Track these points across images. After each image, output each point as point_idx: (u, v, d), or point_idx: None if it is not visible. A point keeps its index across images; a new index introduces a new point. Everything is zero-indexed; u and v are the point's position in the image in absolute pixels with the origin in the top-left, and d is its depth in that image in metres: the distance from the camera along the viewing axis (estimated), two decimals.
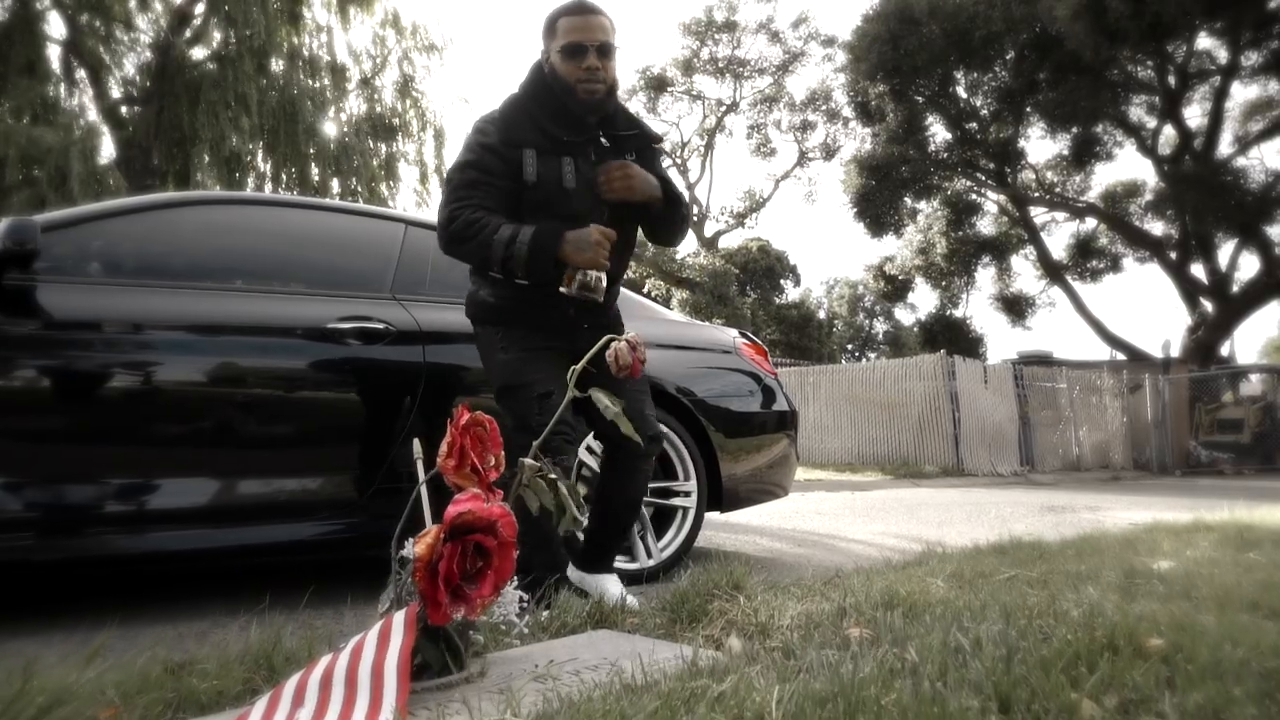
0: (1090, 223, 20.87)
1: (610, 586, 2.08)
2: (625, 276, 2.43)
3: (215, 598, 2.53)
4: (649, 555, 2.93)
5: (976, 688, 0.93)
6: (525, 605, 1.32)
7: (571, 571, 2.13)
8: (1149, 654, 1.03)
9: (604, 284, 1.96)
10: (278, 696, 0.98)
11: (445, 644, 1.12)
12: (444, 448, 1.15)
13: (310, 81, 13.34)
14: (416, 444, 1.27)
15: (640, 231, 2.38)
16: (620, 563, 2.87)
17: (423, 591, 1.03)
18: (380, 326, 2.60)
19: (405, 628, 1.02)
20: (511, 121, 2.08)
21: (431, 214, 3.57)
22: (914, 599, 1.40)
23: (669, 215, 2.17)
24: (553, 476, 1.24)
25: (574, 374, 1.36)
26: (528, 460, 1.24)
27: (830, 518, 5.47)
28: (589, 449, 2.81)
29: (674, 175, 2.18)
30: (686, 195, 2.28)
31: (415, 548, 1.03)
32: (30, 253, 2.18)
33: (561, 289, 1.96)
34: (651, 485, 2.99)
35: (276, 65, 12.80)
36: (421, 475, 1.23)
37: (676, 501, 3.06)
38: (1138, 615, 1.14)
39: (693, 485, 3.07)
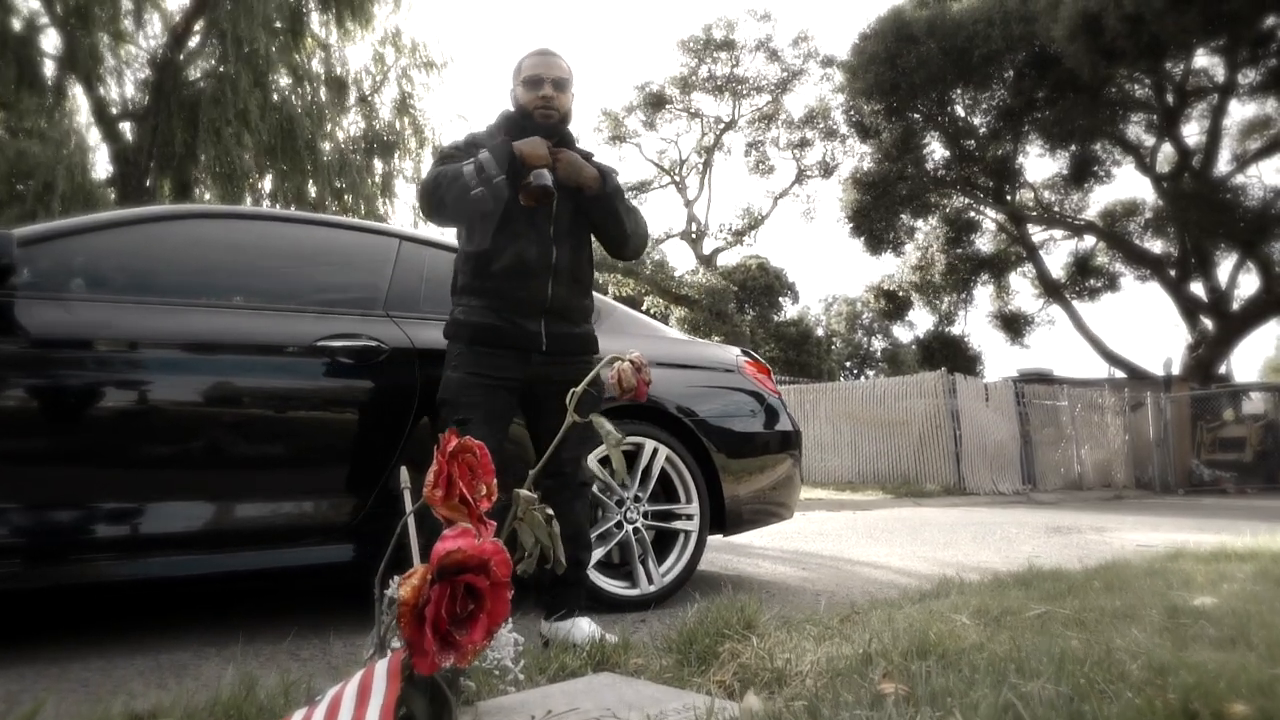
0: (1089, 241, 20.89)
1: (582, 630, 2.03)
2: (617, 293, 2.45)
3: (202, 622, 2.43)
4: (650, 581, 2.84)
5: None
6: (519, 646, 1.23)
7: (541, 626, 2.15)
8: None
9: (551, 181, 2.19)
10: None
11: (432, 694, 1.02)
12: (430, 476, 1.06)
13: (310, 99, 13.34)
14: (404, 472, 1.18)
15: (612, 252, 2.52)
16: (621, 589, 2.77)
17: (409, 639, 0.93)
18: (372, 344, 2.52)
19: (389, 679, 0.92)
20: (478, 136, 2.36)
21: (428, 231, 3.51)
22: (945, 643, 1.30)
23: (611, 207, 2.34)
24: (549, 513, 1.14)
25: (574, 397, 1.27)
26: (523, 492, 1.15)
27: (833, 539, 5.37)
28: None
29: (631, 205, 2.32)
30: (644, 221, 2.42)
31: (400, 590, 0.93)
32: (5, 268, 2.10)
33: (523, 201, 2.19)
34: (653, 508, 2.90)
35: (277, 82, 12.80)
36: (409, 505, 1.13)
37: (678, 524, 2.97)
38: (1211, 673, 1.03)
39: (695, 508, 2.98)
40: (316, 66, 13.85)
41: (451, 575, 0.92)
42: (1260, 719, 0.93)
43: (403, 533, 1.10)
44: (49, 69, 12.05)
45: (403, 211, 14.74)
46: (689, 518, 2.97)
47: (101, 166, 12.86)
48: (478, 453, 1.07)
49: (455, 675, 1.06)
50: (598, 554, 2.73)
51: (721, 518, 3.09)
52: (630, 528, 2.83)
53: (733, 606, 1.62)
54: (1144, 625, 1.46)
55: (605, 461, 2.78)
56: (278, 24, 12.72)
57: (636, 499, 2.85)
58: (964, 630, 1.42)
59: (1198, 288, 18.64)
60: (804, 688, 1.13)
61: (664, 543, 2.98)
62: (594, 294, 3.37)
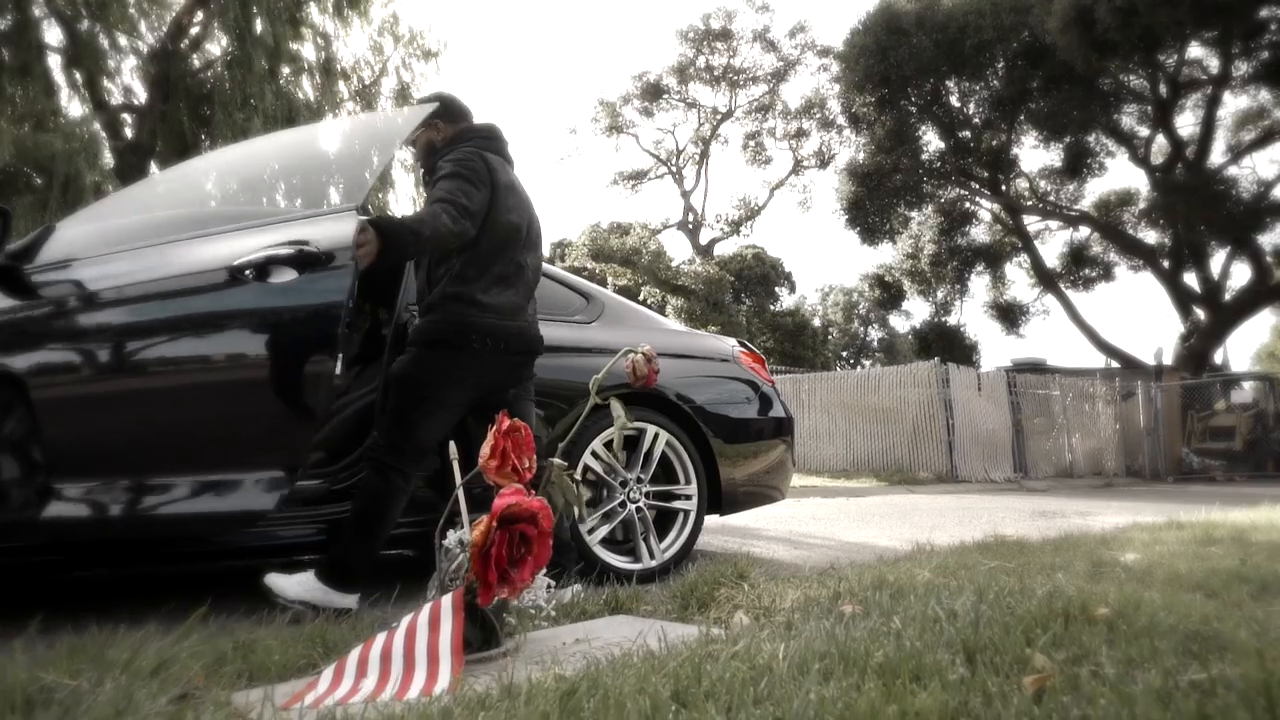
0: (1083, 231, 21.08)
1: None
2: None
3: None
4: (652, 556, 3.05)
5: (949, 645, 1.08)
6: (552, 590, 1.46)
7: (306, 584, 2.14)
8: (1096, 621, 1.19)
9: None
10: (342, 668, 1.11)
11: (481, 624, 1.25)
12: (486, 449, 1.29)
13: (309, 89, 13.53)
14: (452, 446, 1.40)
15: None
16: (623, 563, 2.99)
17: (477, 574, 1.16)
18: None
19: (454, 611, 1.15)
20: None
21: None
22: (901, 583, 1.55)
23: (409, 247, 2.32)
24: (577, 478, 1.38)
25: (596, 383, 1.50)
26: (555, 460, 1.38)
27: (826, 522, 5.60)
28: (593, 453, 2.96)
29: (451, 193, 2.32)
30: (430, 223, 2.23)
31: (472, 534, 1.16)
32: None
33: None
34: (654, 488, 3.13)
35: (279, 72, 12.96)
36: (458, 477, 1.36)
37: (678, 504, 3.18)
38: (1092, 592, 1.29)
39: (693, 489, 3.20)
40: (316, 56, 14.02)
41: (509, 524, 1.15)
42: (1115, 618, 1.20)
43: (456, 498, 1.33)
44: (53, 61, 12.23)
45: (402, 200, 14.90)
46: (688, 498, 3.20)
47: (108, 157, 13.04)
48: (523, 431, 1.31)
49: (500, 609, 1.30)
50: (602, 531, 2.95)
51: (718, 499, 3.32)
52: (633, 507, 3.05)
53: (728, 562, 1.86)
54: (1070, 572, 1.71)
55: (596, 455, 2.99)
56: (278, 6, 12.84)
57: (639, 480, 3.07)
58: (920, 577, 1.67)
59: (1191, 278, 18.88)
60: (785, 616, 1.38)
61: (665, 521, 3.20)
62: (594, 287, 3.60)
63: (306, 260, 2.17)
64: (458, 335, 2.31)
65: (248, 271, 2.15)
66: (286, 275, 2.15)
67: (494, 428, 1.28)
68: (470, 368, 2.32)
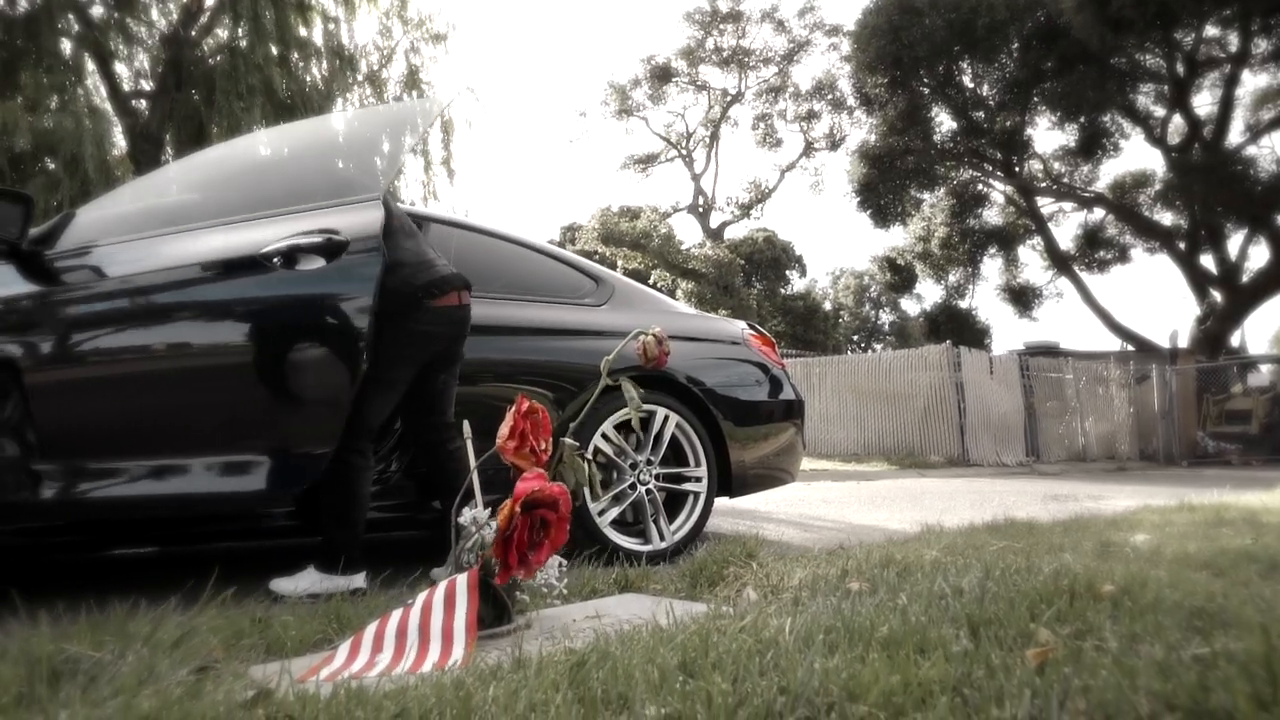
0: (1098, 213, 20.85)
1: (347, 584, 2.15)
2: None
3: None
4: (662, 538, 3.07)
5: (953, 620, 1.10)
6: (564, 569, 1.48)
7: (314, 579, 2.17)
8: (1102, 597, 1.21)
9: None
10: (358, 643, 1.14)
11: (494, 602, 1.28)
12: (505, 430, 1.31)
13: (318, 73, 13.51)
14: (466, 425, 1.42)
15: None
16: (634, 544, 3.01)
17: (498, 557, 1.19)
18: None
19: (469, 591, 1.18)
20: None
21: (437, 206, 3.67)
22: (909, 562, 1.57)
23: None
24: (589, 457, 1.40)
25: (607, 364, 1.51)
26: (567, 440, 1.39)
27: (836, 505, 5.62)
28: (604, 435, 2.98)
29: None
30: None
31: (497, 519, 1.19)
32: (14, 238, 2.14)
33: None
34: (664, 470, 3.14)
35: (288, 59, 12.96)
36: (472, 459, 1.38)
37: (688, 486, 3.21)
38: (1098, 570, 1.31)
39: (703, 471, 3.22)
40: (325, 41, 13.99)
41: (531, 509, 1.17)
42: (1121, 595, 1.21)
43: (471, 479, 1.35)
44: (66, 47, 12.26)
45: (412, 186, 14.87)
46: (698, 480, 3.22)
47: (119, 143, 13.10)
48: (540, 414, 1.33)
49: (512, 587, 1.32)
50: (613, 513, 2.97)
51: (728, 481, 3.34)
52: (643, 489, 3.07)
53: (738, 543, 1.88)
54: (1077, 552, 1.72)
55: (621, 427, 3.01)
56: None
57: (649, 462, 3.09)
58: (928, 556, 1.68)
59: (1208, 260, 18.67)
60: (793, 594, 1.40)
61: (674, 503, 3.22)
62: (603, 270, 3.61)
63: (335, 248, 2.21)
64: (405, 303, 2.29)
65: (275, 259, 2.20)
66: (315, 263, 2.19)
67: (513, 409, 1.30)
68: (418, 336, 2.31)
